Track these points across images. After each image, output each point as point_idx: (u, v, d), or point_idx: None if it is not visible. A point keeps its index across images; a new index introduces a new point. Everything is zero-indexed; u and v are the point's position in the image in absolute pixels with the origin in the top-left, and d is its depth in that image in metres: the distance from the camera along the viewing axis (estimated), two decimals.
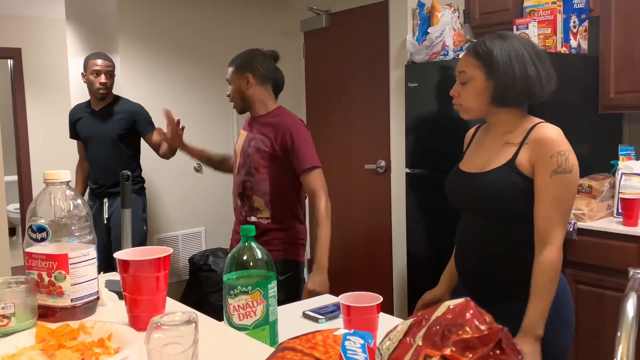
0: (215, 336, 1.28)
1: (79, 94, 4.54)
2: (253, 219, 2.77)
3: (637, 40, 3.22)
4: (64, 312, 1.31)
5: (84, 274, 1.33)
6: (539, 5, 3.40)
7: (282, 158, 2.71)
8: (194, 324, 0.97)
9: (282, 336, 1.43)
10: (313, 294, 2.52)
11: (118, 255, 1.31)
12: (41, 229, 1.32)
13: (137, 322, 1.27)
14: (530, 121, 1.96)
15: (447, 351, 0.76)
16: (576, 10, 3.41)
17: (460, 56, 2.03)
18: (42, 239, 1.31)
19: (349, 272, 4.78)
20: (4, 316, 1.24)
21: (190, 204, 4.64)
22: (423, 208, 3.82)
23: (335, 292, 2.06)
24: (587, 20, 3.46)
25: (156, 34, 4.53)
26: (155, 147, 4.03)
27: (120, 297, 1.38)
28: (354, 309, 1.61)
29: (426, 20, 3.78)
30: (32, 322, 1.27)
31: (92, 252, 1.36)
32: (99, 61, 3.94)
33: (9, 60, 6.80)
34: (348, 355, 0.88)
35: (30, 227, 1.33)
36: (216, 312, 1.54)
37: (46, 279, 1.30)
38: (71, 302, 1.31)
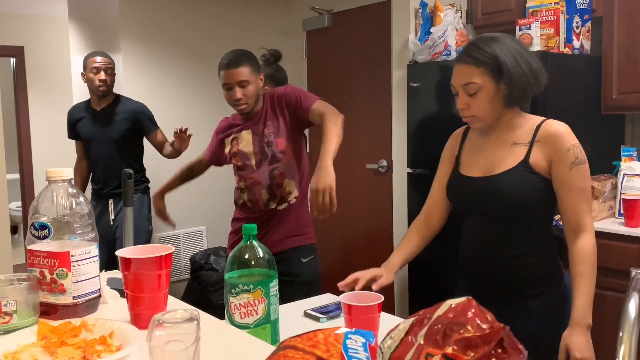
0: (217, 334, 1.28)
1: (81, 92, 4.53)
2: (284, 205, 2.79)
3: (639, 41, 3.21)
4: (66, 310, 1.31)
5: (85, 272, 1.33)
6: (542, 5, 3.40)
7: (295, 126, 2.75)
8: (196, 322, 0.97)
9: (283, 335, 1.43)
10: (317, 192, 2.36)
11: (120, 253, 1.31)
12: (43, 227, 1.32)
13: (139, 319, 1.28)
14: (532, 119, 1.97)
15: (449, 350, 0.76)
16: (579, 11, 3.41)
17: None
18: (44, 237, 1.32)
19: (350, 271, 4.76)
20: (6, 313, 1.24)
21: (192, 203, 4.64)
22: None
23: (336, 291, 2.06)
24: (590, 21, 3.46)
25: (158, 32, 4.53)
26: (159, 147, 4.01)
27: (122, 295, 1.38)
28: (355, 308, 1.61)
29: (429, 20, 3.78)
30: (34, 320, 1.27)
31: (94, 249, 1.36)
32: (98, 58, 3.91)
33: (11, 58, 6.81)
34: (349, 353, 0.88)
35: (33, 224, 1.33)
36: (217, 311, 1.54)
37: (48, 276, 1.31)
38: (73, 299, 1.32)
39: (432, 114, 3.70)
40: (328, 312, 1.95)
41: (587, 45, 3.49)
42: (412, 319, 0.86)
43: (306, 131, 2.91)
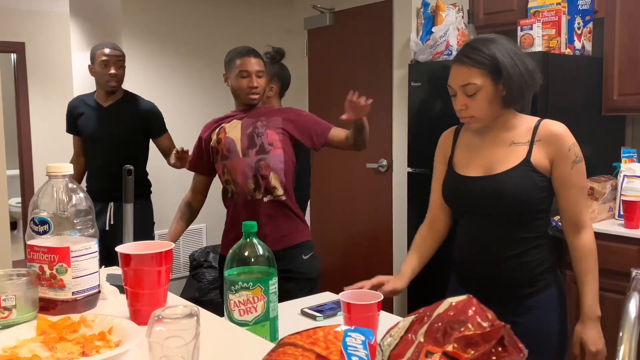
0: (216, 331, 1.28)
1: (82, 88, 4.53)
2: (269, 197, 2.73)
3: None
4: (65, 305, 1.31)
5: (85, 267, 1.33)
6: (544, 6, 3.39)
7: (289, 134, 2.77)
8: (195, 317, 0.97)
9: (280, 334, 1.43)
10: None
11: (120, 249, 1.31)
12: (43, 222, 1.32)
13: (138, 316, 1.27)
14: (527, 119, 2.00)
15: (449, 348, 0.76)
16: (581, 12, 3.41)
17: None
18: (44, 232, 1.32)
19: (350, 270, 4.78)
20: (5, 308, 1.24)
21: None
22: (424, 207, 3.80)
23: (335, 289, 2.06)
24: (592, 22, 3.45)
25: (159, 29, 4.53)
26: (167, 152, 3.70)
27: (122, 290, 1.38)
28: (354, 307, 1.61)
29: (430, 19, 3.77)
30: (33, 315, 1.27)
31: (93, 245, 1.36)
32: (107, 50, 3.62)
33: (12, 54, 6.81)
34: (349, 351, 0.88)
35: (33, 219, 1.33)
36: (216, 308, 1.54)
37: (47, 271, 1.30)
38: (72, 295, 1.32)
39: (432, 114, 3.70)
40: (325, 310, 1.94)
41: (589, 46, 3.48)
42: (413, 316, 0.85)
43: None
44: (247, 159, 2.72)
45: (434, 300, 0.86)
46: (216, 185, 3.15)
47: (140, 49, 4.45)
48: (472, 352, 0.75)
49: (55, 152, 6.39)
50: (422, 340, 0.80)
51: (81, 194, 1.37)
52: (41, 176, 6.30)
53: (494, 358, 0.75)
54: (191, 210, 3.03)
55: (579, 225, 1.96)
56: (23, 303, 1.26)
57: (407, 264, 2.20)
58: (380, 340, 0.87)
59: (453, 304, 0.82)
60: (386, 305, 1.76)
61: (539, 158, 1.92)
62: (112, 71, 3.59)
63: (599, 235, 3.07)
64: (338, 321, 1.81)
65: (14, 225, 7.54)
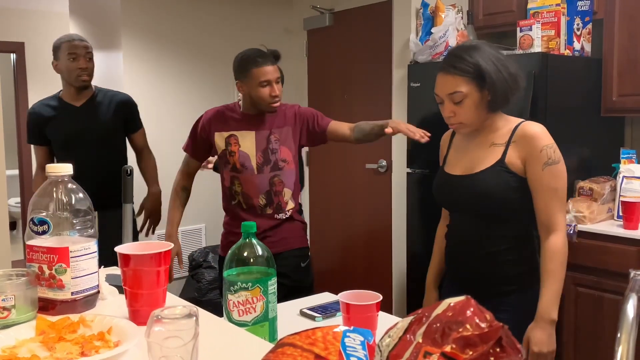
0: (215, 332, 1.28)
1: None
2: (282, 215, 2.77)
3: None
4: (64, 305, 1.31)
5: (84, 268, 1.33)
6: (543, 7, 3.40)
7: (300, 143, 2.81)
8: (194, 318, 0.97)
9: (279, 334, 1.43)
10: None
11: (119, 249, 1.31)
12: (42, 222, 1.32)
13: (137, 316, 1.28)
14: (512, 121, 2.04)
15: (447, 348, 0.76)
16: (580, 13, 3.41)
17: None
18: (44, 232, 1.32)
19: (349, 270, 4.78)
20: (5, 308, 1.24)
21: (191, 200, 4.63)
22: (423, 208, 3.82)
23: (334, 290, 2.06)
24: (591, 23, 3.45)
25: (159, 29, 4.53)
26: (141, 150, 3.49)
27: (121, 291, 1.38)
28: (353, 307, 1.61)
29: (430, 20, 3.78)
30: (32, 315, 1.27)
31: (92, 245, 1.36)
32: (76, 42, 3.26)
33: (11, 54, 6.81)
34: (348, 351, 0.88)
35: (32, 219, 1.33)
36: (215, 308, 1.54)
37: (47, 271, 1.31)
38: (71, 295, 1.32)
39: (432, 115, 3.68)
40: (324, 311, 1.94)
41: (588, 47, 3.49)
42: (411, 317, 0.86)
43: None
44: (261, 176, 2.74)
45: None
46: (216, 187, 3.16)
47: (140, 48, 4.45)
48: (470, 352, 0.75)
49: None
50: (420, 340, 0.80)
51: (80, 194, 1.37)
52: None
53: (492, 359, 0.75)
54: (187, 194, 3.05)
55: (550, 227, 1.96)
56: (22, 303, 1.26)
57: (430, 273, 2.33)
58: (379, 341, 0.87)
59: (451, 304, 0.82)
60: (385, 305, 1.76)
61: (513, 158, 1.97)
62: (83, 65, 3.23)
63: (597, 237, 3.09)
64: (337, 322, 1.81)
65: (13, 225, 7.53)
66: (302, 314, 1.94)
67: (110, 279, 1.58)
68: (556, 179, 1.95)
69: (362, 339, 0.92)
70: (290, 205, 2.79)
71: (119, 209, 2.94)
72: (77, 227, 1.35)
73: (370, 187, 4.60)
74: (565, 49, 3.36)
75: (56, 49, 3.31)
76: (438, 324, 0.80)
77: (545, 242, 1.96)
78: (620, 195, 3.22)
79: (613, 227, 3.13)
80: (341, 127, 2.83)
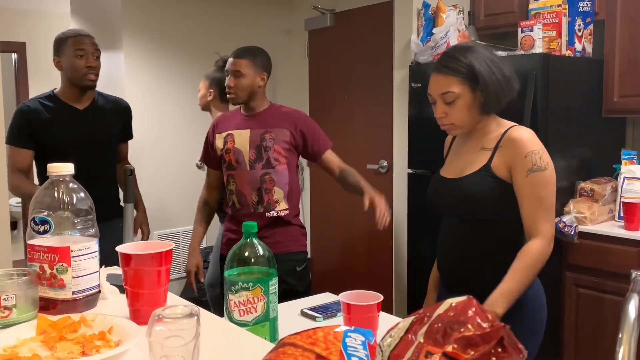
0: (216, 332, 1.28)
1: None
2: (273, 212, 2.78)
3: None
4: (65, 305, 1.31)
5: (85, 267, 1.33)
6: (544, 7, 3.40)
7: (295, 148, 2.81)
8: (195, 317, 0.97)
9: (280, 334, 1.43)
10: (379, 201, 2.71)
11: (120, 249, 1.31)
12: (44, 222, 1.32)
13: (138, 315, 1.27)
14: (503, 125, 2.02)
15: (449, 348, 0.76)
16: (581, 14, 3.41)
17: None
18: (45, 232, 1.32)
19: (350, 270, 4.78)
20: (6, 307, 1.24)
21: (191, 200, 4.62)
22: (424, 208, 3.80)
23: (335, 290, 2.06)
24: (592, 24, 3.45)
25: (160, 30, 4.53)
26: (123, 159, 3.25)
27: (122, 290, 1.38)
28: (354, 307, 1.61)
29: (431, 21, 3.78)
30: (33, 314, 1.27)
31: (94, 245, 1.36)
32: (84, 37, 2.97)
33: (13, 54, 6.82)
34: (349, 351, 0.88)
35: (33, 219, 1.33)
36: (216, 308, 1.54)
37: (48, 271, 1.30)
38: (72, 294, 1.32)
39: (433, 115, 3.69)
40: (325, 311, 1.94)
41: (589, 48, 3.48)
42: (412, 317, 0.86)
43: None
44: (253, 172, 2.77)
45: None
46: None
47: (141, 49, 4.45)
48: (472, 352, 0.75)
49: None
50: (422, 340, 0.80)
51: (82, 194, 1.37)
52: None
53: (493, 359, 0.75)
54: (209, 209, 3.05)
55: (531, 233, 1.91)
56: (23, 302, 1.26)
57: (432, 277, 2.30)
58: (380, 341, 0.87)
59: (453, 304, 0.82)
60: (386, 306, 1.76)
61: (498, 164, 1.94)
62: (92, 63, 2.93)
63: (599, 237, 3.09)
64: (338, 322, 1.81)
65: (14, 225, 7.53)
66: (303, 314, 1.94)
67: (111, 278, 1.58)
68: (541, 186, 1.90)
69: (363, 338, 0.92)
70: (283, 205, 2.79)
71: (116, 218, 2.94)
72: (79, 227, 1.35)
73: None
74: (566, 50, 3.36)
75: (60, 43, 2.99)
76: (440, 324, 0.80)
77: (525, 244, 1.91)
78: (621, 196, 3.22)
79: (614, 228, 3.13)
80: (332, 163, 2.91)
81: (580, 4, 3.40)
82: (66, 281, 1.31)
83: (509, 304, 1.85)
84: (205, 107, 3.73)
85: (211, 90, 3.64)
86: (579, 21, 3.40)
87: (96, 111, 3.04)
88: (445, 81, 1.95)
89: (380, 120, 4.42)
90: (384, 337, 0.87)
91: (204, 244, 4.76)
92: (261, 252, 1.47)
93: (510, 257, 1.95)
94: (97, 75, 2.97)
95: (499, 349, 0.75)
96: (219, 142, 2.85)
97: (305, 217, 5.07)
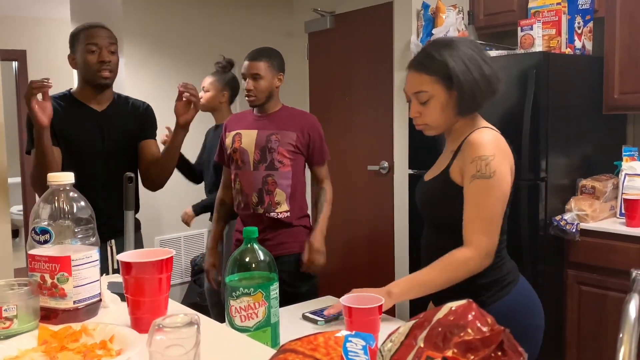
0: (217, 338, 1.28)
1: None
2: (273, 214, 2.79)
3: None
4: (66, 314, 1.31)
5: (86, 276, 1.33)
6: (544, 6, 3.40)
7: (301, 151, 2.82)
8: (196, 326, 0.97)
9: (282, 338, 1.43)
10: (315, 254, 2.79)
11: (121, 257, 1.31)
12: (44, 231, 1.32)
13: (140, 324, 1.27)
14: (475, 127, 1.89)
15: (449, 353, 0.76)
16: (581, 11, 3.41)
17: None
18: (45, 241, 1.32)
19: (351, 273, 4.77)
20: (7, 318, 1.24)
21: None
22: None
23: (337, 293, 2.06)
24: (592, 21, 3.45)
25: (161, 35, 4.54)
26: (150, 161, 2.75)
27: (123, 299, 1.38)
28: (355, 310, 1.61)
29: (430, 21, 3.78)
30: (34, 324, 1.27)
31: (94, 254, 1.36)
32: (96, 29, 2.64)
33: (13, 62, 6.82)
34: (350, 356, 0.88)
35: (34, 229, 1.33)
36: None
37: (49, 280, 1.30)
38: (73, 304, 1.31)
39: None
40: (326, 315, 1.94)
41: (589, 46, 3.48)
42: (413, 321, 0.86)
43: None
44: (256, 173, 2.79)
45: (436, 305, 0.86)
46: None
47: (142, 54, 4.46)
48: (472, 357, 0.75)
49: None
50: (422, 345, 0.80)
51: (82, 203, 1.37)
52: None
53: None
54: (226, 208, 3.06)
55: (465, 243, 1.78)
56: (24, 313, 1.26)
57: None
58: (381, 346, 0.87)
59: (453, 308, 0.82)
60: (389, 309, 1.76)
61: (455, 168, 1.85)
62: (106, 58, 2.59)
63: (600, 235, 3.09)
64: (339, 325, 1.81)
65: (15, 233, 7.55)
66: (305, 317, 1.94)
67: (112, 286, 1.58)
68: (482, 195, 1.77)
69: (363, 343, 0.92)
70: (284, 207, 2.80)
71: (139, 231, 2.79)
72: (79, 236, 1.35)
73: (372, 189, 4.60)
74: (566, 48, 3.36)
75: (73, 39, 2.67)
76: (440, 329, 0.80)
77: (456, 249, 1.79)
78: (622, 193, 3.22)
79: (616, 225, 3.12)
80: (320, 175, 2.96)
81: (580, 1, 3.40)
82: (67, 290, 1.31)
83: (409, 292, 1.81)
84: (213, 109, 3.72)
85: (225, 92, 3.69)
86: (578, 19, 3.40)
87: (115, 115, 2.71)
88: (418, 80, 1.86)
89: (381, 121, 4.42)
90: (385, 341, 0.87)
91: (204, 249, 4.76)
92: (262, 257, 1.47)
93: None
94: (112, 71, 2.63)
95: (499, 353, 0.75)
96: (228, 141, 2.90)
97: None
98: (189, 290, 4.57)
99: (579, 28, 3.42)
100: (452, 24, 3.64)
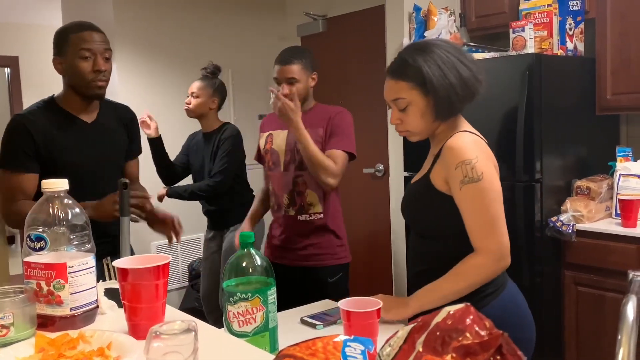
0: (215, 344, 1.28)
1: None
2: (305, 216, 2.74)
3: (633, 42, 3.22)
4: (63, 322, 1.30)
5: (82, 283, 1.33)
6: (535, 7, 3.41)
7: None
8: (193, 333, 0.97)
9: (280, 343, 1.43)
10: None
11: (117, 263, 1.30)
12: (39, 238, 1.31)
13: (137, 330, 1.27)
14: (455, 130, 1.85)
15: (448, 357, 0.76)
16: (572, 13, 3.42)
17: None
18: (41, 248, 1.31)
19: (349, 276, 4.76)
20: (3, 326, 1.23)
21: (190, 209, 4.63)
22: None
23: (334, 297, 2.06)
24: (583, 22, 3.46)
25: (153, 40, 4.53)
26: (135, 180, 2.60)
27: (120, 305, 1.38)
28: (354, 315, 1.61)
29: (422, 24, 3.78)
30: (31, 332, 1.27)
31: (90, 260, 1.36)
32: (91, 33, 2.37)
33: (6, 68, 6.81)
34: None
35: (29, 236, 1.32)
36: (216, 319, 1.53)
37: (45, 288, 1.30)
38: (70, 311, 1.31)
39: None
40: (325, 319, 1.94)
41: (581, 47, 3.49)
42: (411, 326, 0.85)
43: None
44: (286, 174, 2.75)
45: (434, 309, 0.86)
46: None
47: (134, 60, 4.45)
48: None
49: None
50: (420, 349, 0.80)
51: (77, 209, 1.37)
52: None
53: None
54: (265, 194, 2.98)
55: (475, 250, 1.75)
56: (21, 320, 1.26)
57: None
58: (380, 350, 0.87)
59: (451, 312, 0.81)
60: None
61: (435, 174, 1.82)
62: (102, 67, 2.32)
63: (596, 235, 3.09)
64: (338, 329, 1.81)
65: (11, 240, 7.52)
66: (303, 322, 1.93)
67: (109, 293, 1.57)
68: (476, 199, 1.73)
69: (362, 347, 0.92)
70: (318, 209, 2.75)
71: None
72: (74, 242, 1.34)
73: (368, 192, 4.60)
74: (558, 49, 3.37)
75: (61, 40, 2.36)
76: (438, 333, 0.80)
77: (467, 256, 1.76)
78: (617, 193, 3.23)
79: (611, 226, 3.13)
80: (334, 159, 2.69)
81: (571, 3, 3.41)
82: (63, 297, 1.30)
83: (420, 307, 1.83)
84: (202, 115, 3.72)
85: (215, 98, 3.70)
86: (569, 20, 3.41)
87: (104, 125, 2.46)
88: (395, 87, 1.83)
89: (375, 124, 4.43)
90: (383, 346, 0.87)
91: (201, 254, 4.75)
92: (259, 262, 1.46)
93: None
94: (107, 81, 2.36)
95: (498, 357, 0.75)
96: (261, 142, 2.88)
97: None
98: (187, 295, 4.57)
99: (570, 29, 3.43)
100: (444, 26, 3.65)
